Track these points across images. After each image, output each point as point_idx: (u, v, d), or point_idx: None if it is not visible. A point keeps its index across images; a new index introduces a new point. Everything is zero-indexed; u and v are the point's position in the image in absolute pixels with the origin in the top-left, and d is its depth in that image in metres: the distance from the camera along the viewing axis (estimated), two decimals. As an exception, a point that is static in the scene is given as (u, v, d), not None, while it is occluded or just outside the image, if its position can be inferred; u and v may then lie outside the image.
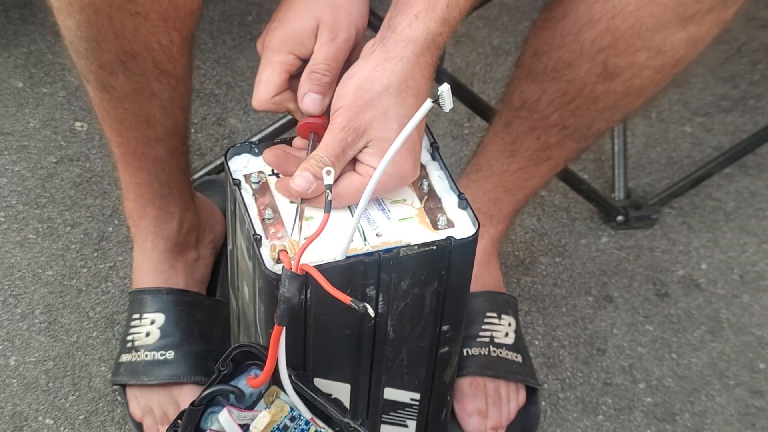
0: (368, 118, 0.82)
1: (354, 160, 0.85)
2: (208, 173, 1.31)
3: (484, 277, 1.16)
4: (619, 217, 1.35)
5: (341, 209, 0.86)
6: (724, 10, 0.93)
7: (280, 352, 0.81)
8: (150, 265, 1.14)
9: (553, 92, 1.00)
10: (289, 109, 0.89)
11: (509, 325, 1.15)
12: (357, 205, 0.82)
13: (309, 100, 0.87)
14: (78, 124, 1.42)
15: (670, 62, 0.97)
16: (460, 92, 1.27)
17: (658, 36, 0.94)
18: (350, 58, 0.89)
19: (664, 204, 1.38)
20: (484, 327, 1.14)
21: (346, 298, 0.77)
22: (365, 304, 0.77)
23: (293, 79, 0.89)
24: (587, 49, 0.96)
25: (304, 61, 0.88)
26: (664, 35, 0.94)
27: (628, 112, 1.03)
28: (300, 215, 0.85)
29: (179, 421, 0.84)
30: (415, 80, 0.83)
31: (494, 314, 1.15)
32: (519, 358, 1.15)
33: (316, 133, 0.88)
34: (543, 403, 1.18)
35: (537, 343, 1.24)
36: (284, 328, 0.79)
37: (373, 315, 0.78)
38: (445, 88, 0.79)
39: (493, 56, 1.56)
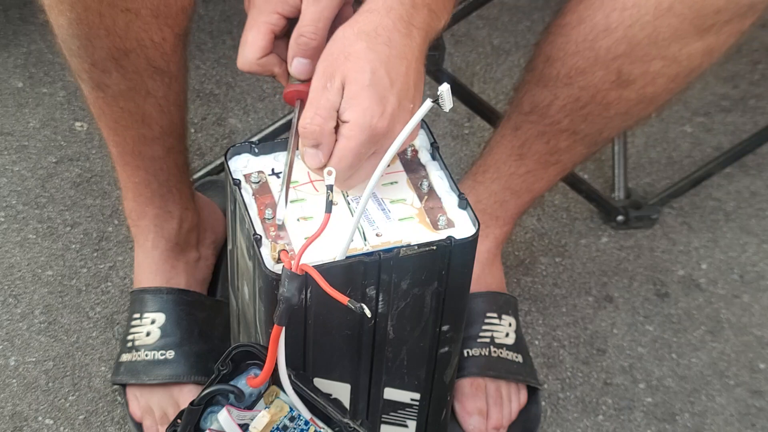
0: (340, 61, 0.82)
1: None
2: (208, 173, 1.31)
3: (486, 278, 1.15)
4: (619, 217, 1.35)
5: (341, 211, 0.86)
6: (743, 21, 0.93)
7: (279, 352, 0.81)
8: (151, 265, 1.14)
9: (565, 98, 1.00)
10: (275, 72, 0.88)
11: (509, 325, 1.15)
12: (357, 204, 0.81)
13: (297, 65, 0.86)
14: (78, 124, 1.42)
15: (685, 71, 0.97)
16: (460, 92, 1.27)
17: (675, 46, 0.94)
18: (340, 17, 0.87)
19: (664, 204, 1.38)
20: (484, 327, 1.14)
21: (343, 299, 0.77)
22: (362, 304, 0.77)
23: (279, 40, 0.88)
24: (602, 56, 0.96)
25: (290, 20, 0.87)
26: (680, 45, 0.94)
27: (639, 118, 1.03)
28: (287, 179, 0.85)
29: (179, 421, 0.84)
30: (386, 29, 0.82)
31: (494, 314, 1.15)
32: (519, 358, 1.14)
33: (302, 100, 0.87)
34: (543, 403, 1.18)
35: (537, 343, 1.24)
36: (284, 328, 0.79)
37: (370, 315, 0.78)
38: (445, 88, 0.79)
39: (493, 56, 1.56)
